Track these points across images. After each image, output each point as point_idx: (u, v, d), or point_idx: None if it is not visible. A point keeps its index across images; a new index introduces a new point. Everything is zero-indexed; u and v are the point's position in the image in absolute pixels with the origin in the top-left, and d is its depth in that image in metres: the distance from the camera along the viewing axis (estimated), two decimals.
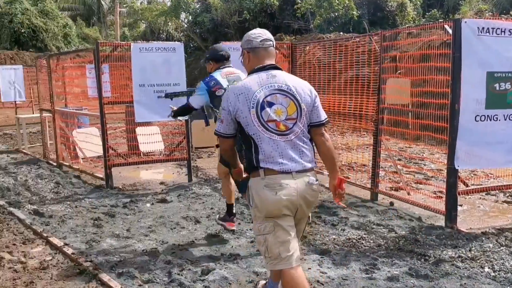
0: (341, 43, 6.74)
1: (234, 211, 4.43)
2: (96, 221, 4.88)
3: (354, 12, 20.41)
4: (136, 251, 4.09)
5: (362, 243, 4.15)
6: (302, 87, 2.68)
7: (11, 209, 5.30)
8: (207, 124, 4.39)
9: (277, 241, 2.55)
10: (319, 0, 20.75)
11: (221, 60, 4.19)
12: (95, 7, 40.57)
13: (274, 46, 2.80)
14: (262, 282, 3.28)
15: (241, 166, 2.93)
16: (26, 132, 10.24)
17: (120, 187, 6.45)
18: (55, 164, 8.00)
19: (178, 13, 27.35)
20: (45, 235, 4.44)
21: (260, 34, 2.75)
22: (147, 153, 8.14)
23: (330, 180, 2.76)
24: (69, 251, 4.02)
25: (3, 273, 3.63)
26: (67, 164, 7.72)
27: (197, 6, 27.70)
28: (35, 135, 12.03)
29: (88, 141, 7.67)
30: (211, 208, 5.35)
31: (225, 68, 4.16)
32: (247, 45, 2.75)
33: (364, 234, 4.37)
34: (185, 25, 29.56)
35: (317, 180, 2.63)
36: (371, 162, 5.82)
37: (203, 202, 5.64)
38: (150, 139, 7.70)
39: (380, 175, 5.71)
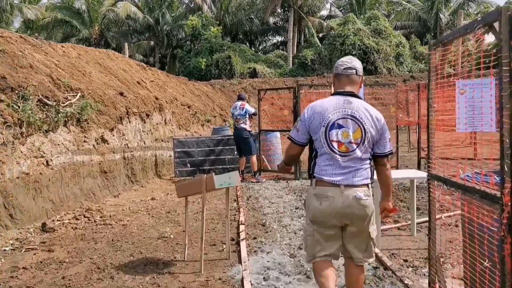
0: None
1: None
2: None
3: None
4: None
5: None
6: (373, 117, 2.91)
7: None
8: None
9: (315, 243, 2.94)
10: None
11: (239, 99, 10.19)
12: (431, 23, 35.24)
13: (358, 74, 3.01)
14: None
15: (291, 168, 3.43)
16: None
17: None
18: None
19: None
20: None
21: (345, 62, 3.04)
22: None
23: (381, 201, 3.15)
24: None
25: None
26: None
27: None
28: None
29: None
30: None
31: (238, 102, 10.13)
32: (334, 70, 3.09)
33: None
34: None
35: (367, 195, 2.85)
36: None
37: None
38: None
39: None
